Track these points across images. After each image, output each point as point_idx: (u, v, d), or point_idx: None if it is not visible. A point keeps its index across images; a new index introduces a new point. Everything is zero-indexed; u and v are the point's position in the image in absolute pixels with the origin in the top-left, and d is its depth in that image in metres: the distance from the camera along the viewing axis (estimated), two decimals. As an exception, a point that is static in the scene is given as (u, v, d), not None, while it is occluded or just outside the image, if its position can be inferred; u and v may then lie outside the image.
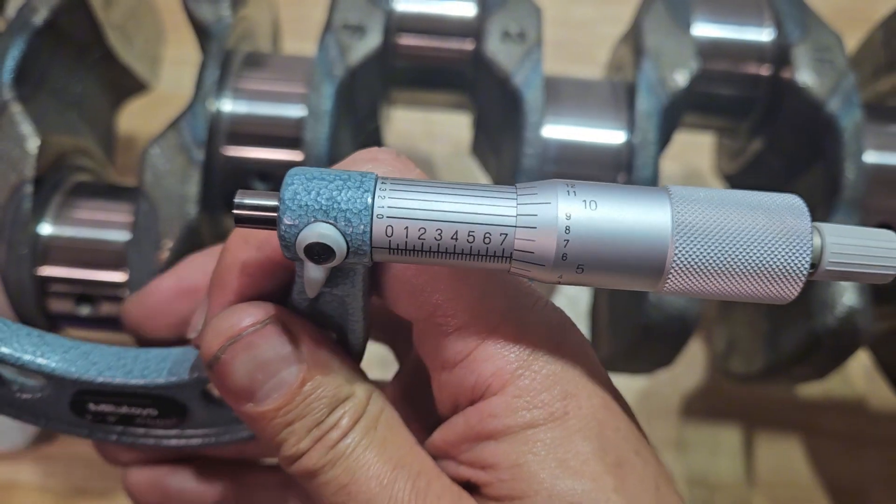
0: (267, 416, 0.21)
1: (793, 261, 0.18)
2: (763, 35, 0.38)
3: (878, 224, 0.37)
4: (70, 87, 0.39)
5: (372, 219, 0.18)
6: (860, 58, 0.43)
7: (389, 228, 0.18)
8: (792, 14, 0.38)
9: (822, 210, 0.35)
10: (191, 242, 0.34)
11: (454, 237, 0.18)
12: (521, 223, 0.18)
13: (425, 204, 0.18)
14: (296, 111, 0.36)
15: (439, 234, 0.18)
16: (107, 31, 0.39)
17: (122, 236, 0.35)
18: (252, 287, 0.21)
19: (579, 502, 0.19)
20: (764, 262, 0.18)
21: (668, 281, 0.18)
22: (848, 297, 0.33)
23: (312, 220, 0.18)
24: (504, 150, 0.38)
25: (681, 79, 0.36)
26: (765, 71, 0.38)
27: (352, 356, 0.22)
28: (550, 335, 0.21)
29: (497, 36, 0.36)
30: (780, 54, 0.38)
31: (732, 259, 0.18)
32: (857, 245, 0.18)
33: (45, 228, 0.34)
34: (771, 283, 0.18)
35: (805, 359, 0.35)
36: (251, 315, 0.20)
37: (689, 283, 0.18)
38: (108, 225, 0.35)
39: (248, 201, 0.18)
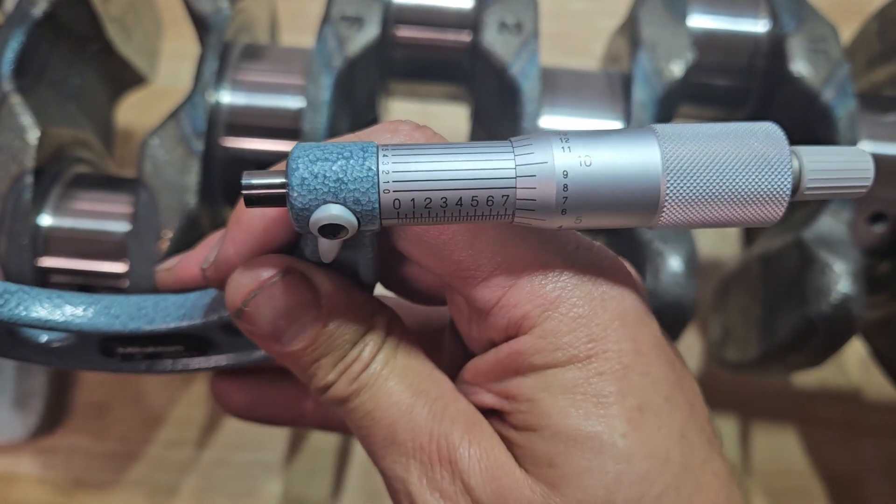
0: (295, 355, 0.22)
1: (775, 185, 0.19)
2: (758, 26, 0.39)
3: (872, 214, 0.38)
4: (69, 79, 0.39)
5: (379, 194, 0.18)
6: (855, 48, 0.43)
7: (397, 202, 0.18)
8: (787, 5, 0.38)
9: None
10: (191, 232, 0.34)
11: (458, 203, 0.18)
12: (521, 184, 0.18)
13: (427, 173, 0.18)
14: (294, 102, 0.37)
15: (444, 202, 0.18)
16: (106, 24, 0.39)
17: (121, 227, 0.35)
18: (266, 230, 0.22)
19: (582, 442, 0.20)
20: (749, 188, 0.19)
21: (663, 216, 0.19)
22: (842, 284, 0.34)
23: (322, 202, 0.18)
24: (501, 141, 0.38)
25: (676, 69, 0.36)
26: (760, 61, 0.39)
27: (365, 290, 0.23)
28: (581, 277, 0.21)
29: (494, 27, 0.36)
30: (775, 45, 0.38)
31: (720, 189, 0.19)
32: (832, 165, 0.19)
33: (46, 219, 0.34)
34: (757, 208, 0.19)
35: (800, 346, 0.35)
36: (270, 269, 0.22)
37: (682, 215, 0.19)
38: (107, 216, 0.35)
39: (255, 181, 0.19)
